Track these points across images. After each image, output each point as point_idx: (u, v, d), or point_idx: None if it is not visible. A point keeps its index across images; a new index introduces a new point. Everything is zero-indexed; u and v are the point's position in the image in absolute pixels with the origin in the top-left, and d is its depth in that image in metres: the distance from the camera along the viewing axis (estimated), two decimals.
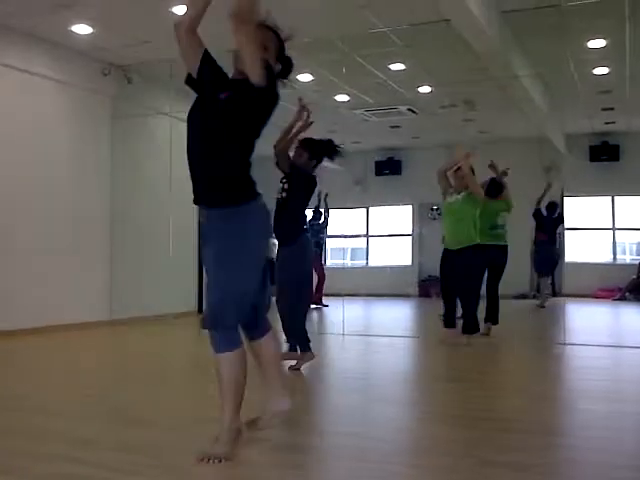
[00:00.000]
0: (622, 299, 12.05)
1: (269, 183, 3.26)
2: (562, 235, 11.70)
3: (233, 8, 2.59)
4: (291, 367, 5.12)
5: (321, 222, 11.41)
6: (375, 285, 13.37)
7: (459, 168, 6.55)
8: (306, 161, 5.25)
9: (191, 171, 2.78)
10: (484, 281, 7.16)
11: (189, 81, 2.80)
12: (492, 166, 7.68)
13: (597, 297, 12.31)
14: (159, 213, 9.72)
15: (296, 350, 5.24)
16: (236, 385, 2.79)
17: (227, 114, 2.68)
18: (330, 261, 14.69)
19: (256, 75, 2.61)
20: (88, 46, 8.25)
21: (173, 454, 3.00)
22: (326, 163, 5.30)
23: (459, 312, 6.66)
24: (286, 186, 5.13)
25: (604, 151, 12.72)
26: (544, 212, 10.59)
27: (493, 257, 7.08)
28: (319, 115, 11.86)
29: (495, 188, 7.39)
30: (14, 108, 7.72)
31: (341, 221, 13.61)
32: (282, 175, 5.24)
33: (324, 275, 11.31)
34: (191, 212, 10.38)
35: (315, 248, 9.82)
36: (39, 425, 3.58)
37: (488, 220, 7.07)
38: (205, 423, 3.43)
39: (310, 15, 7.14)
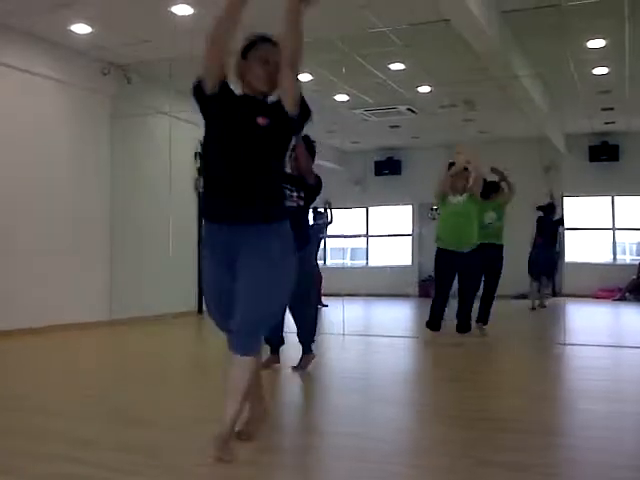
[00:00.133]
0: (622, 299, 12.06)
1: None
2: (562, 236, 11.68)
3: (291, 61, 2.72)
4: (293, 368, 5.13)
5: (320, 223, 11.40)
6: (375, 285, 13.38)
7: (465, 168, 6.55)
8: (311, 165, 5.21)
9: (220, 188, 2.72)
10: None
11: (197, 93, 2.83)
12: (495, 170, 7.63)
13: (597, 297, 12.31)
14: (159, 213, 9.71)
15: (277, 353, 5.24)
16: (248, 388, 2.80)
17: (268, 139, 2.75)
18: (330, 261, 14.70)
19: (295, 108, 2.76)
20: (87, 45, 8.25)
21: (173, 454, 2.99)
22: (324, 162, 5.29)
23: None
24: (302, 194, 5.02)
25: (604, 151, 12.73)
26: (542, 213, 10.57)
27: (489, 256, 7.06)
28: (319, 115, 11.89)
29: (489, 190, 7.37)
30: (14, 108, 7.72)
31: (341, 221, 13.60)
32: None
33: (320, 275, 11.26)
34: (191, 212, 10.46)
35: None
36: (39, 425, 3.57)
37: (479, 220, 7.08)
38: (205, 423, 3.42)
39: (309, 15, 7.12)
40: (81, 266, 8.59)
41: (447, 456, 2.96)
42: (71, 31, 7.77)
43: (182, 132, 10.36)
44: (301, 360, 5.18)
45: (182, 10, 7.18)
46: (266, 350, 5.09)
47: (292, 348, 5.41)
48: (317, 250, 10.25)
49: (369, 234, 14.76)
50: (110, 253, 9.04)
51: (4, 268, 7.50)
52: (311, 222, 10.40)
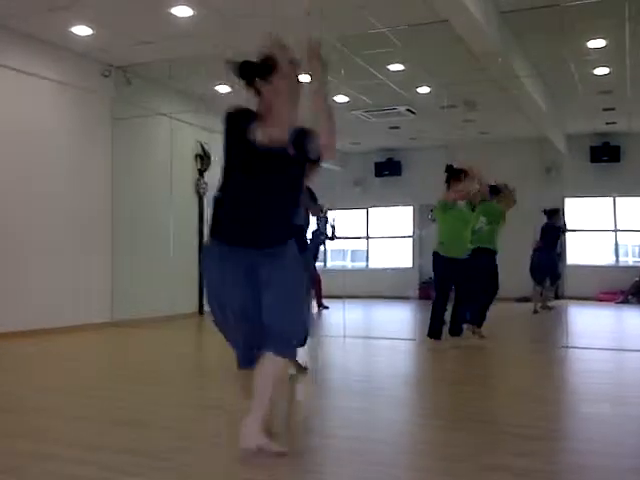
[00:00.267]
0: (625, 302, 11.99)
1: None
2: (564, 239, 11.61)
3: (329, 152, 2.82)
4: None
5: (320, 226, 11.32)
6: (375, 287, 13.36)
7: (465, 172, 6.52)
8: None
9: (246, 216, 2.81)
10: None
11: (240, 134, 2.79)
12: (497, 188, 7.51)
13: (599, 300, 12.26)
14: (159, 214, 9.70)
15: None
16: (276, 387, 2.91)
17: (296, 173, 2.91)
18: (330, 263, 14.67)
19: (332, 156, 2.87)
20: (88, 47, 8.23)
21: (176, 455, 2.98)
22: (324, 164, 5.25)
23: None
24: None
25: (605, 152, 12.71)
26: (546, 219, 10.47)
27: (482, 261, 6.98)
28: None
29: (490, 193, 7.31)
30: (14, 109, 7.69)
31: (341, 222, 13.57)
32: None
33: (319, 278, 11.20)
34: (191, 213, 10.45)
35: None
36: (40, 426, 3.56)
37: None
38: (207, 424, 3.40)
39: (307, 16, 7.10)
40: (82, 267, 8.57)
41: (448, 460, 2.94)
42: (71, 33, 7.75)
43: (182, 133, 10.36)
44: None
45: (182, 12, 7.16)
46: None
47: None
48: (317, 253, 10.20)
49: (369, 236, 14.73)
50: (111, 254, 9.01)
51: (4, 270, 7.47)
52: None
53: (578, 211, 12.76)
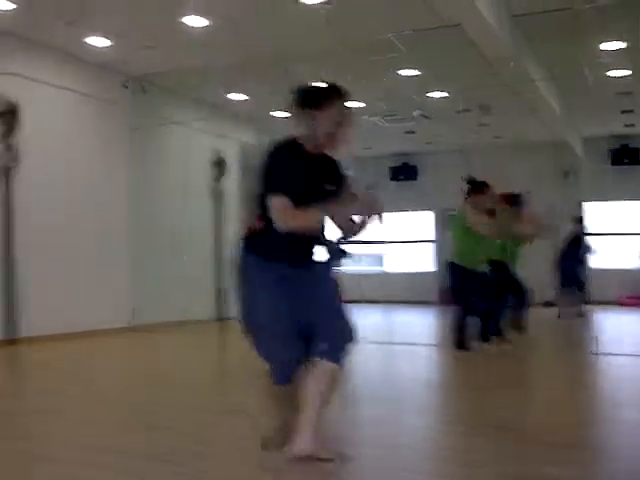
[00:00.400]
0: None
1: None
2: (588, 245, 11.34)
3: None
4: None
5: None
6: (392, 292, 13.34)
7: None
8: None
9: (301, 242, 2.90)
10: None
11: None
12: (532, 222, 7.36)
13: (623, 304, 12.08)
14: (176, 220, 9.78)
15: None
16: (326, 395, 2.91)
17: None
18: (347, 267, 14.65)
19: None
20: (106, 58, 8.32)
21: (192, 461, 2.99)
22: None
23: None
24: None
25: (624, 154, 12.60)
26: (567, 248, 10.21)
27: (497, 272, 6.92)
28: None
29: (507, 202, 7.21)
30: (38, 120, 7.79)
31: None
32: None
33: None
34: (206, 219, 10.51)
35: None
36: (56, 430, 3.60)
37: None
38: (225, 430, 3.42)
39: (319, 23, 7.16)
40: (101, 273, 8.67)
41: (471, 466, 2.89)
42: (89, 44, 7.85)
43: (197, 141, 10.44)
44: None
45: (195, 21, 7.23)
46: None
47: None
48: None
49: (386, 240, 14.71)
50: (130, 260, 9.09)
51: (27, 276, 7.58)
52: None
53: (599, 215, 12.61)
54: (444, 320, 7.88)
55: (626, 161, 12.50)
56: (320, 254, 2.98)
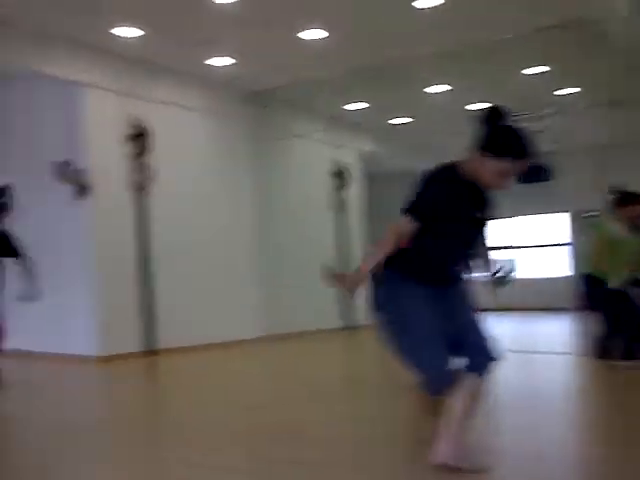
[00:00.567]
0: None
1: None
2: None
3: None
4: None
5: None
6: (525, 299, 12.82)
7: None
8: None
9: (448, 264, 3.00)
10: None
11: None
12: None
13: None
14: (300, 232, 9.88)
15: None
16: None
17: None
18: (475, 275, 14.24)
19: None
20: (228, 76, 8.56)
21: (342, 472, 3.01)
22: None
23: None
24: None
25: None
26: None
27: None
28: (456, 125, 11.59)
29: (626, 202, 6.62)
30: (166, 139, 8.15)
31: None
32: None
33: None
34: (330, 230, 10.55)
35: None
36: (202, 439, 3.69)
37: None
38: (370, 440, 3.40)
39: (439, 23, 7.00)
40: (235, 284, 8.92)
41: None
42: (211, 65, 8.10)
43: (317, 152, 10.53)
44: None
45: (314, 34, 7.26)
46: None
47: None
48: None
49: (517, 245, 14.18)
50: (261, 272, 9.28)
51: (165, 290, 7.93)
52: None
53: None
54: (581, 328, 7.45)
55: None
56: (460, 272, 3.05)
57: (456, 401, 2.83)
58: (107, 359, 7.27)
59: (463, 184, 2.83)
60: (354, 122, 10.96)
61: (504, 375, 6.06)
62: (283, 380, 6.04)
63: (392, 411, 4.45)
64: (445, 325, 2.90)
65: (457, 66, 8.35)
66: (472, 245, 3.03)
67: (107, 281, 7.51)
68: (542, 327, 11.23)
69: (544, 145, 13.27)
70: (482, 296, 3.22)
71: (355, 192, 11.35)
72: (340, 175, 10.94)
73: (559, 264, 13.83)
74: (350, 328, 10.55)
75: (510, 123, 2.80)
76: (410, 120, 11.18)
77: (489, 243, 3.24)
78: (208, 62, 8.03)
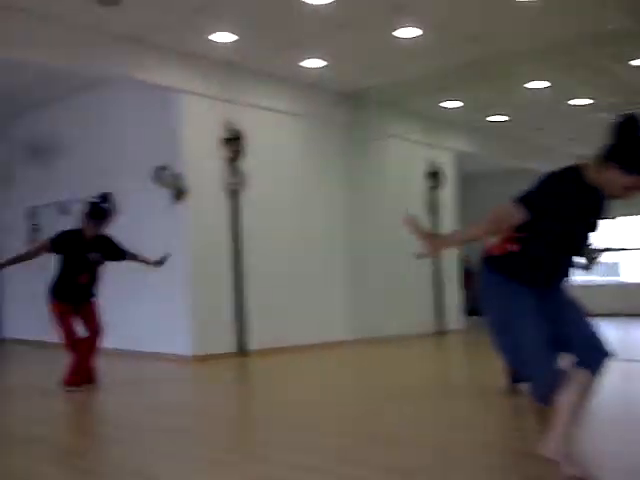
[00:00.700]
0: None
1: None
2: None
3: None
4: None
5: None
6: (631, 303, 12.19)
7: None
8: None
9: (558, 266, 2.94)
10: None
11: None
12: None
13: None
14: (394, 233, 9.74)
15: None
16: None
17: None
18: (577, 277, 13.68)
19: None
20: (320, 78, 8.55)
21: (427, 474, 2.98)
22: None
23: None
24: None
25: None
26: None
27: None
28: (558, 123, 11.14)
29: None
30: (260, 143, 8.23)
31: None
32: None
33: None
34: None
35: None
36: (294, 439, 3.75)
37: None
38: (464, 445, 3.34)
39: (538, 17, 6.72)
40: (326, 288, 8.92)
41: None
42: (304, 67, 8.11)
43: (411, 152, 10.38)
44: None
45: (409, 33, 7.14)
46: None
47: None
48: None
49: (622, 247, 13.49)
50: (353, 274, 9.23)
51: (256, 292, 8.01)
52: None
53: None
54: None
55: None
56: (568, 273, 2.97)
57: (565, 397, 2.77)
58: (202, 359, 7.42)
59: (586, 188, 2.75)
60: (449, 121, 10.73)
61: (610, 383, 5.75)
62: (372, 383, 5.99)
63: (484, 416, 4.35)
64: (551, 324, 2.85)
65: (558, 61, 8.02)
66: (581, 248, 2.97)
67: (202, 282, 7.67)
68: None
69: None
70: (582, 300, 3.04)
71: (449, 193, 11.12)
72: (434, 175, 10.75)
73: None
74: (441, 333, 10.36)
75: None
76: (507, 118, 10.85)
77: (594, 245, 3.09)
78: (301, 64, 8.04)
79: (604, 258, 13.67)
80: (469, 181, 12.82)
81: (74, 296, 5.82)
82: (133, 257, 6.17)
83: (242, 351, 7.85)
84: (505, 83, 9.01)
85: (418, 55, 7.78)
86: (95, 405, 5.52)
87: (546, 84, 8.99)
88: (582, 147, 11.45)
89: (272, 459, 3.38)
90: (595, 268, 13.78)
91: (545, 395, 2.83)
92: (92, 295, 5.96)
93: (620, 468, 3.10)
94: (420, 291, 10.24)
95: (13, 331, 10.53)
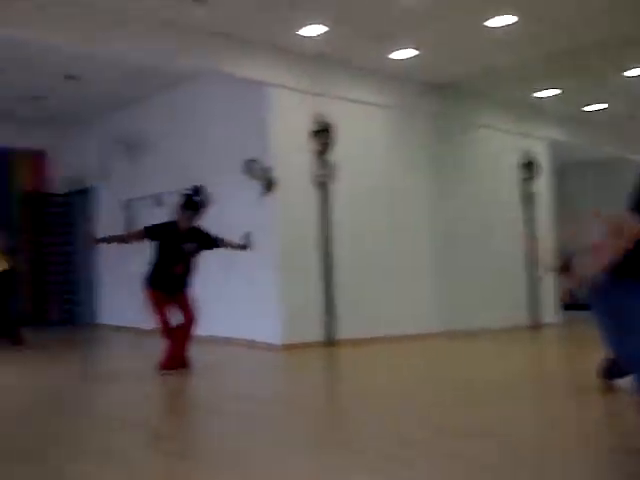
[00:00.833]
0: None
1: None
2: None
3: None
4: None
5: None
6: None
7: None
8: None
9: None
10: None
11: None
12: None
13: None
14: (485, 225, 9.59)
15: None
16: None
17: None
18: None
19: None
20: (408, 69, 8.46)
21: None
22: None
23: None
24: None
25: None
26: None
27: None
28: None
29: None
30: (348, 135, 8.25)
31: None
32: None
33: None
34: (517, 224, 10.12)
35: None
36: (391, 430, 3.71)
37: None
38: (545, 439, 3.26)
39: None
40: (415, 280, 8.87)
41: None
42: (394, 58, 8.06)
43: (503, 142, 10.13)
44: None
45: (503, 21, 6.97)
46: None
47: None
48: None
49: None
50: (443, 266, 9.12)
51: (344, 282, 8.07)
52: None
53: None
54: None
55: None
56: None
57: None
58: (291, 347, 7.55)
59: None
60: (544, 110, 10.42)
61: None
62: (465, 377, 5.91)
63: (581, 413, 4.26)
64: None
65: None
66: None
67: (291, 273, 7.78)
68: None
69: None
70: None
71: (544, 184, 10.80)
72: (528, 166, 10.46)
73: None
74: (536, 326, 10.09)
75: None
76: (604, 106, 10.43)
77: None
78: (391, 55, 8.00)
79: None
80: (565, 171, 12.41)
81: (169, 286, 6.05)
82: (224, 243, 6.36)
83: (330, 341, 7.93)
84: (602, 71, 8.66)
85: (511, 44, 7.57)
86: (188, 390, 5.73)
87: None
88: None
89: (367, 450, 3.41)
90: None
91: None
92: (187, 285, 6.18)
93: None
94: (513, 283, 10.01)
95: (108, 317, 11.05)
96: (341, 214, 8.16)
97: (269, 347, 7.67)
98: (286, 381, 6.18)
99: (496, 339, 8.73)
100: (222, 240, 6.35)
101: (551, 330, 10.10)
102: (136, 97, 9.72)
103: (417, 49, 7.82)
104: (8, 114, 10.55)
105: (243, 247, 6.35)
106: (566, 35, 7.36)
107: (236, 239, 6.41)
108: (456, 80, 8.91)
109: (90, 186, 11.34)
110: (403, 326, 8.54)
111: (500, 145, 10.12)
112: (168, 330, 6.00)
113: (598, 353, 3.94)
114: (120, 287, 10.21)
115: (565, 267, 2.80)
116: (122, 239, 6.37)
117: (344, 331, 8.02)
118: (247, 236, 6.30)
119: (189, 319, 6.10)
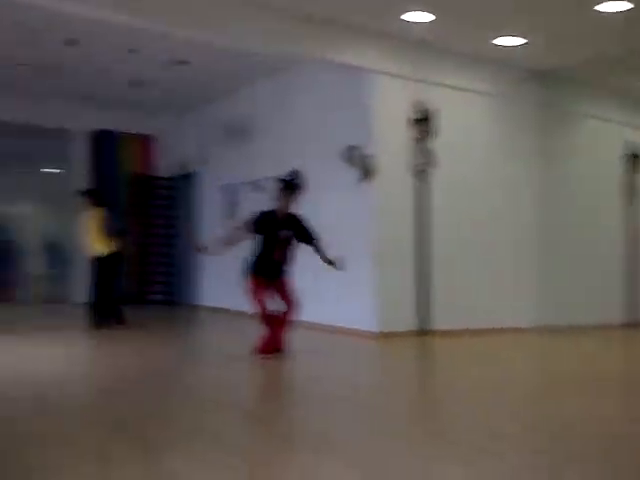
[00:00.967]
0: None
1: None
2: None
3: None
4: None
5: None
6: None
7: None
8: None
9: None
10: None
11: None
12: None
13: None
14: (585, 218, 9.26)
15: None
16: None
17: None
18: None
19: None
20: (512, 56, 8.24)
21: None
22: None
23: None
24: None
25: None
26: None
27: None
28: None
29: None
30: (449, 123, 8.16)
31: None
32: None
33: None
34: (618, 218, 9.67)
35: None
36: (483, 423, 3.75)
37: None
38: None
39: None
40: (512, 272, 8.71)
41: None
42: (499, 45, 7.86)
43: (606, 133, 9.72)
44: None
45: (615, 6, 6.65)
46: None
47: None
48: None
49: None
50: (541, 259, 8.89)
51: (440, 272, 8.03)
52: None
53: None
54: None
55: None
56: None
57: None
58: (386, 335, 7.59)
59: None
60: None
61: None
62: (556, 372, 5.82)
63: None
64: None
65: None
66: None
67: (388, 261, 7.80)
68: None
69: None
70: None
71: None
72: (633, 158, 10.00)
73: None
74: (634, 325, 9.67)
75: None
76: None
77: None
78: (496, 42, 7.80)
79: None
80: None
81: (269, 271, 6.18)
82: (317, 246, 6.33)
83: (424, 331, 7.89)
84: None
85: (623, 30, 7.24)
86: (284, 373, 5.85)
87: None
88: None
89: (460, 441, 3.41)
90: None
91: None
92: (285, 272, 6.28)
93: None
94: (611, 278, 9.64)
95: (207, 299, 11.38)
96: (439, 203, 8.09)
97: (365, 334, 7.72)
98: (381, 369, 6.23)
99: (594, 336, 8.49)
100: (317, 241, 6.32)
101: None
102: (242, 83, 9.96)
103: (524, 36, 7.61)
104: (120, 100, 11.04)
105: (331, 264, 6.33)
106: None
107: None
108: (559, 67, 8.61)
109: (193, 171, 11.70)
110: (499, 318, 8.41)
111: (604, 135, 9.73)
112: (267, 316, 6.13)
113: None
114: (219, 270, 10.51)
115: None
116: (229, 241, 6.36)
117: (439, 321, 7.99)
118: (340, 259, 6.30)
119: (288, 305, 6.21)
